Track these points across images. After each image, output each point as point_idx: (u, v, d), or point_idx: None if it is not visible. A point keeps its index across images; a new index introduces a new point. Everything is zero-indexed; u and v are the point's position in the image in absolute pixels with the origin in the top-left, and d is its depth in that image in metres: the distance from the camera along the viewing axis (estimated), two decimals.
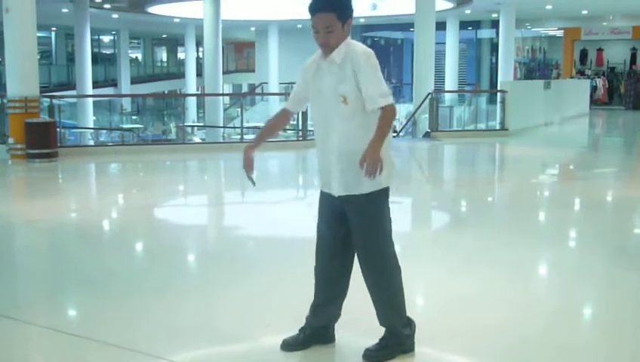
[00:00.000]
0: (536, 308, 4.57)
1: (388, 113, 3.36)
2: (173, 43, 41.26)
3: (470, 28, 30.81)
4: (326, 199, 3.62)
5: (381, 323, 3.64)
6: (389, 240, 3.57)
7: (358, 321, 3.86)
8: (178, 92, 35.59)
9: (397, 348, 3.62)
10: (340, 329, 3.77)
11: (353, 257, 3.64)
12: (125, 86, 31.73)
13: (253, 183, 3.71)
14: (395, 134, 15.21)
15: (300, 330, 3.74)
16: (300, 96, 3.70)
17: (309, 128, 13.63)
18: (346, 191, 3.49)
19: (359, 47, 3.45)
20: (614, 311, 4.58)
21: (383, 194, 3.53)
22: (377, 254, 3.54)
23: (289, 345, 3.71)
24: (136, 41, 38.61)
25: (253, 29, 33.61)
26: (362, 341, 3.68)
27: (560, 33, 31.77)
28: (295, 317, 3.84)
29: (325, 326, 3.75)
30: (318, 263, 3.69)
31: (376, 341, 3.64)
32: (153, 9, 25.00)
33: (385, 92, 3.38)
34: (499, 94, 16.92)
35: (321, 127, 3.57)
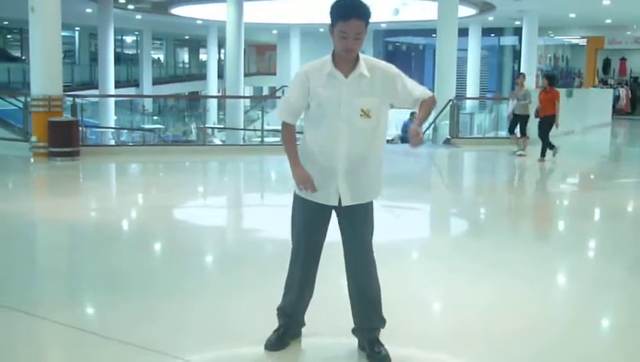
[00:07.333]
0: (554, 317, 4.53)
1: (431, 99, 3.58)
2: (196, 44, 41.43)
3: (493, 35, 30.71)
4: (314, 208, 3.69)
5: (368, 322, 3.69)
6: None
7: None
8: (199, 93, 35.74)
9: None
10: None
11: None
12: (147, 86, 31.94)
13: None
14: None
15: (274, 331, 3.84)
16: (300, 109, 3.59)
17: None
18: (353, 201, 3.59)
19: (379, 61, 3.59)
20: (634, 322, 4.53)
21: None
22: (372, 256, 3.68)
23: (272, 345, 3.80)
24: (158, 42, 38.80)
25: (275, 31, 33.70)
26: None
27: (583, 42, 31.60)
28: (308, 320, 3.87)
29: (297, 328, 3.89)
30: (307, 268, 3.78)
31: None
32: (176, 10, 25.15)
33: (425, 88, 3.62)
34: None
35: (328, 137, 3.53)
